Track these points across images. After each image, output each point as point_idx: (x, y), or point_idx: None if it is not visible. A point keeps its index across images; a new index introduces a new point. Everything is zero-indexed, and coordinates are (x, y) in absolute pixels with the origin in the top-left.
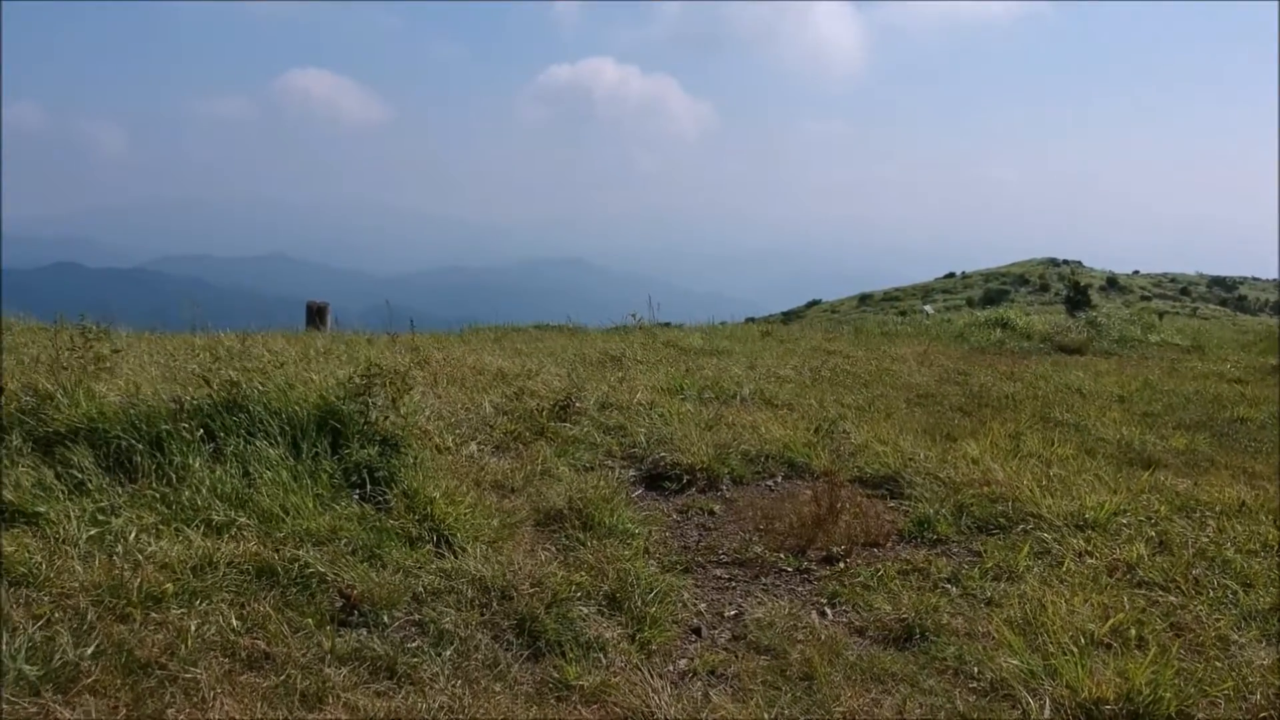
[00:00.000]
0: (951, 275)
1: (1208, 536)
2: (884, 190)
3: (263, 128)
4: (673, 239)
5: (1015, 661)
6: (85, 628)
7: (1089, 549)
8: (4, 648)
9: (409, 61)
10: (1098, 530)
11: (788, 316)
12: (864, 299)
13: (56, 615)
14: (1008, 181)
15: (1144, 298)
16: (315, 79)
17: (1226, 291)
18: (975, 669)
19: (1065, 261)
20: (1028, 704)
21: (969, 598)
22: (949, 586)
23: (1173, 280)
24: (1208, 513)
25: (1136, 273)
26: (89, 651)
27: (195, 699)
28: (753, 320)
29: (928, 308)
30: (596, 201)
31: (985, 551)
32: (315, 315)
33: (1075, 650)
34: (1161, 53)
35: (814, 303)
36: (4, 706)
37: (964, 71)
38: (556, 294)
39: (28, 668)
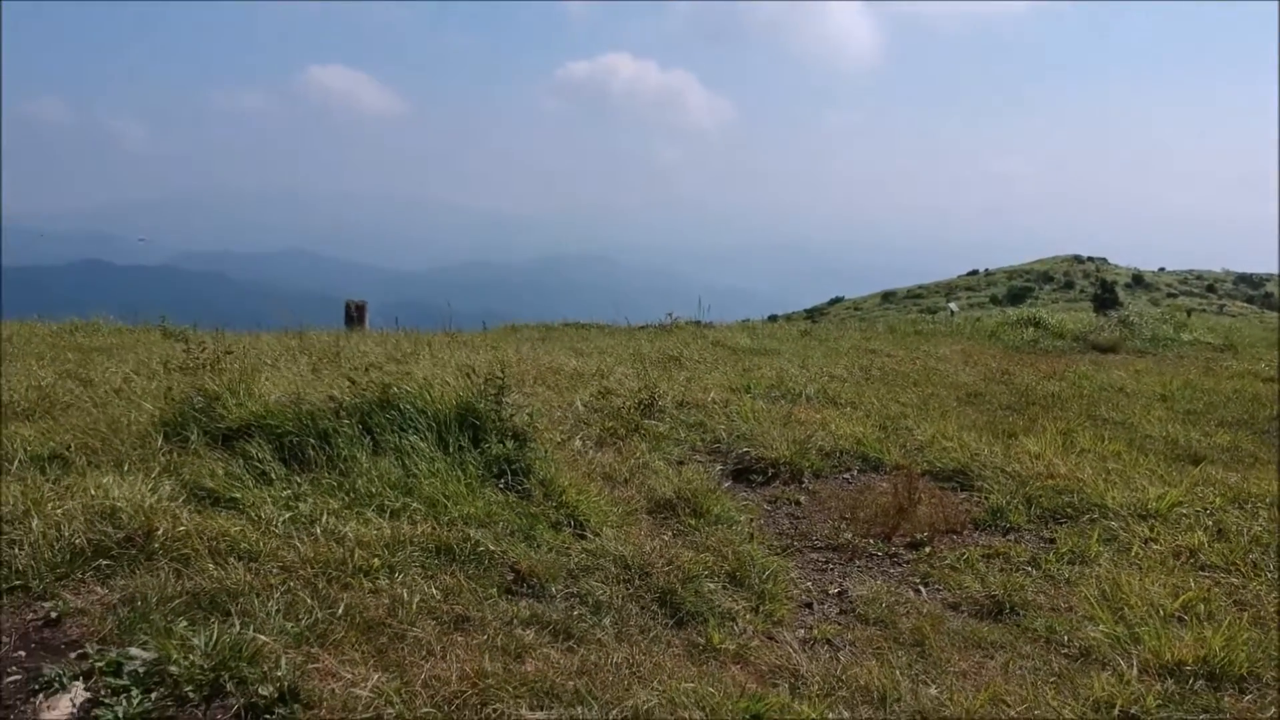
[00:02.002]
0: (975, 272)
1: (1260, 525)
2: (901, 184)
3: (283, 122)
4: (693, 232)
5: (1102, 630)
6: (319, 594)
7: (1153, 536)
8: (259, 607)
9: (425, 55)
10: (1159, 519)
11: (811, 314)
12: (887, 296)
13: (290, 584)
14: (1026, 176)
15: (1170, 295)
16: (334, 73)
17: (1253, 288)
18: (1065, 638)
19: (1090, 258)
20: (1118, 665)
21: (1049, 578)
22: (1029, 569)
23: (1198, 277)
24: (1258, 504)
25: (1162, 270)
26: (336, 613)
27: (425, 652)
28: (775, 318)
29: (953, 305)
30: (617, 195)
31: (1058, 538)
32: (355, 314)
33: (1153, 622)
34: (1179, 48)
35: (837, 300)
36: (282, 656)
37: (980, 65)
38: (579, 289)
39: (286, 623)
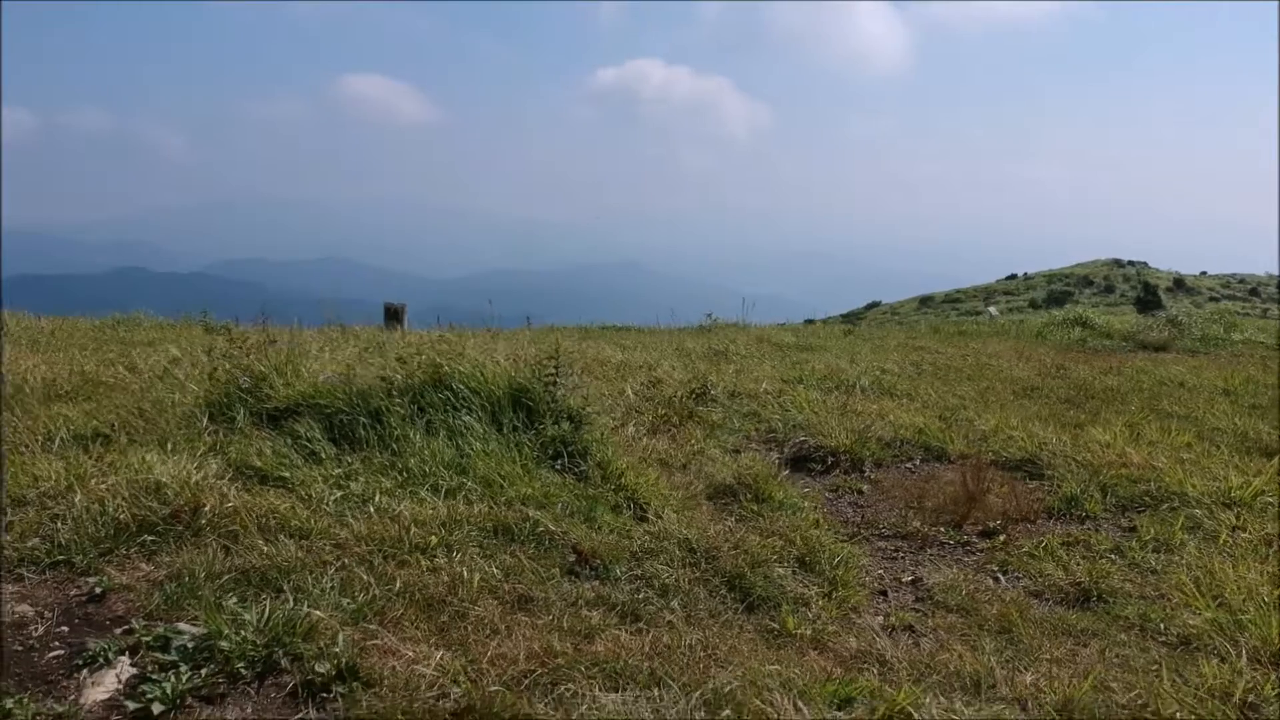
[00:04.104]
0: (1013, 276)
1: None
2: (934, 190)
3: (317, 130)
4: (725, 240)
5: (1203, 618)
6: (375, 571)
7: (1240, 524)
8: (313, 584)
9: (456, 64)
10: (1244, 508)
11: (848, 318)
12: (924, 301)
13: (344, 561)
14: (1062, 181)
15: (1212, 299)
16: (368, 82)
17: None
18: (1161, 625)
19: (1130, 262)
20: (1226, 653)
21: (1135, 566)
22: (1113, 556)
23: (1241, 280)
24: None
25: (1204, 273)
26: (393, 590)
27: (489, 631)
28: (810, 322)
29: (992, 309)
30: (649, 202)
31: (1139, 526)
32: (393, 315)
33: (1254, 609)
34: (1205, 53)
35: (873, 304)
36: (339, 633)
37: (1010, 69)
38: (611, 296)
39: (342, 600)
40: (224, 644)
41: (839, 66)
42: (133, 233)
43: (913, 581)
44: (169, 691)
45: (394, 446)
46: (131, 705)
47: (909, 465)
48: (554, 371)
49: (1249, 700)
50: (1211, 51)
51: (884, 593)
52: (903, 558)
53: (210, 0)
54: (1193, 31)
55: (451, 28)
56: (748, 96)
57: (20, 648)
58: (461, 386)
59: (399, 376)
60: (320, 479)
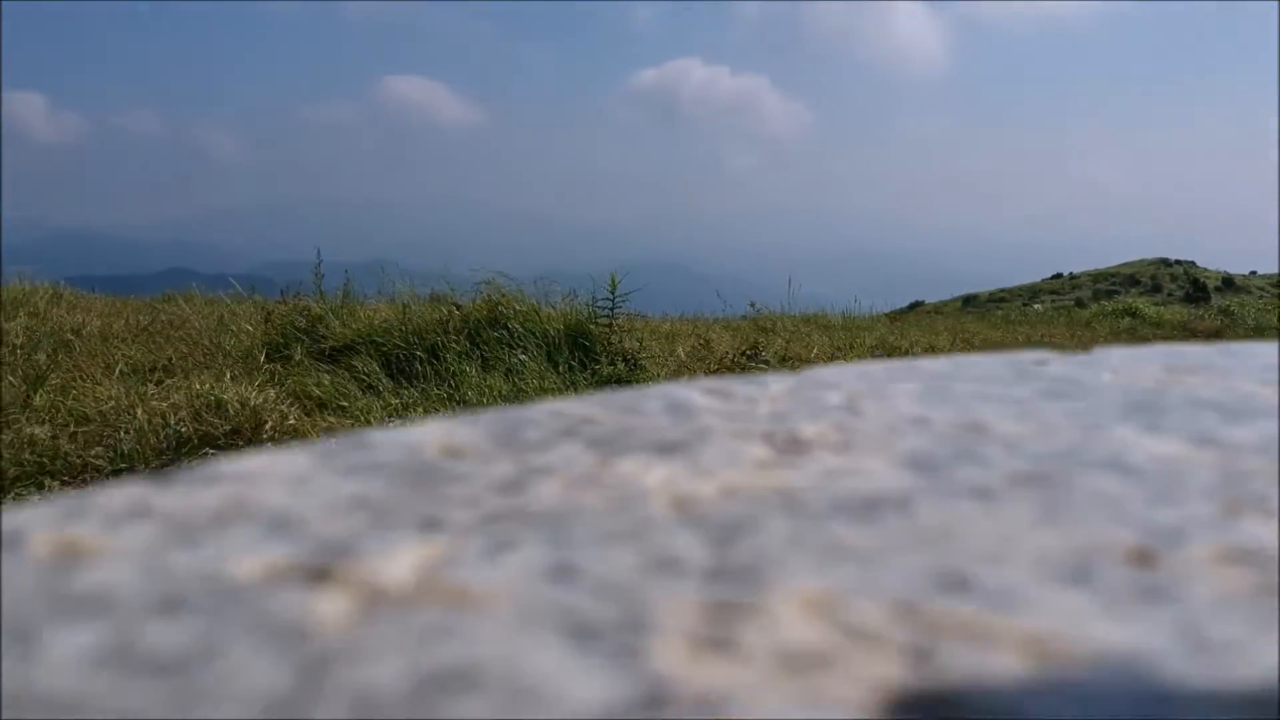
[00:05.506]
0: (1059, 276)
1: None
2: (979, 189)
3: (364, 133)
4: (769, 241)
5: None
6: None
7: None
8: None
9: (500, 66)
10: None
11: (891, 316)
12: (969, 300)
13: None
14: (1110, 181)
15: (1262, 298)
16: (413, 84)
17: None
18: None
19: (1178, 261)
20: None
21: None
22: None
23: None
24: None
25: (1253, 273)
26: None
27: None
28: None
29: (1037, 307)
30: (691, 202)
31: None
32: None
33: None
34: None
35: (917, 304)
36: None
37: (1056, 68)
38: (656, 295)
39: None
40: None
41: (881, 64)
42: (187, 234)
43: None
44: None
45: (451, 381)
46: None
47: None
48: (610, 313)
49: None
50: (1258, 52)
51: None
52: None
53: (260, 1)
54: (1242, 31)
55: (494, 30)
56: (788, 95)
57: None
58: (517, 326)
59: (455, 315)
60: (379, 407)
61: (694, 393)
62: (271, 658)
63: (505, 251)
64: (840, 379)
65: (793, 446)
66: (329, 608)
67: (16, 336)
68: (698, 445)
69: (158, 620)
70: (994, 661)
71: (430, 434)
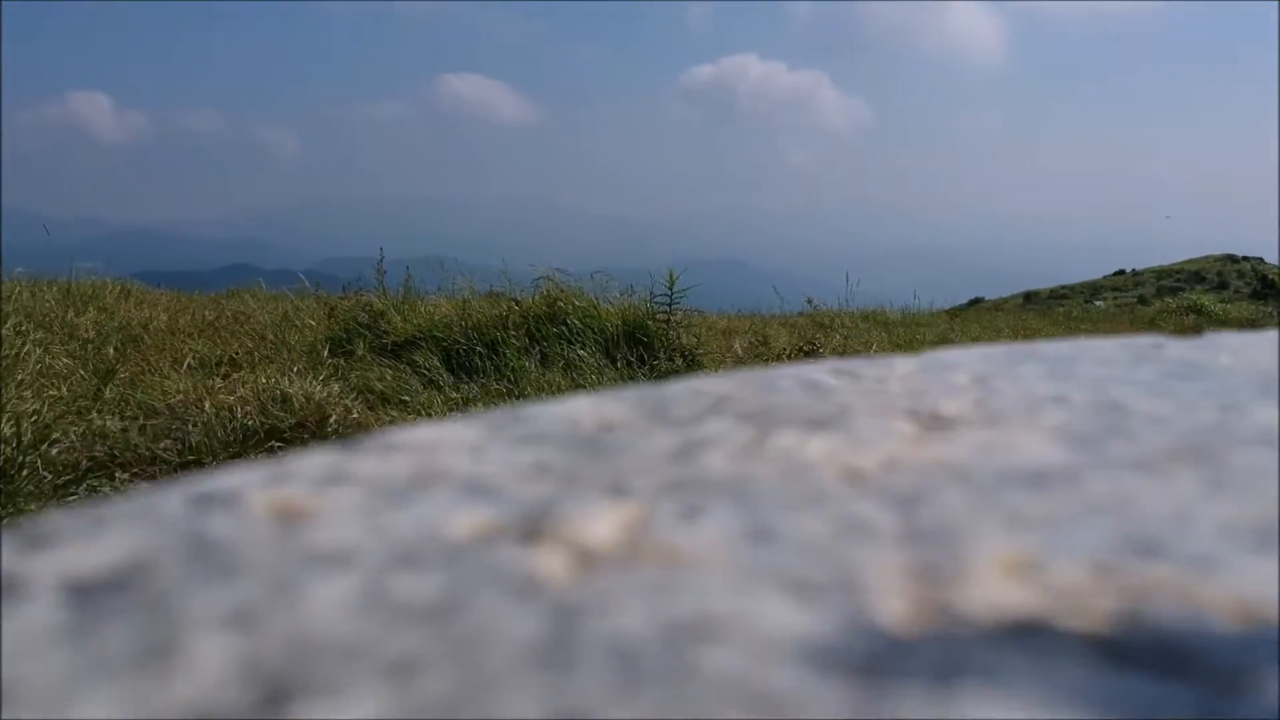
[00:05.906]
0: (1121, 272)
1: None
2: (1039, 186)
3: (421, 130)
4: (828, 236)
5: None
6: None
7: None
8: None
9: (554, 64)
10: None
11: (951, 315)
12: (1029, 297)
13: None
14: (1175, 178)
15: None
16: (469, 82)
17: None
18: None
19: (1245, 258)
20: None
21: None
22: None
23: None
24: None
25: None
26: None
27: None
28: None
29: (1099, 304)
30: (748, 199)
31: None
32: None
33: None
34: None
35: (976, 300)
36: None
37: (1114, 64)
38: (713, 292)
39: None
40: None
41: (939, 60)
42: (248, 230)
43: None
44: None
45: (510, 376)
46: None
47: None
48: (667, 309)
49: None
50: None
51: None
52: None
53: (318, 0)
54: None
55: (548, 29)
56: (846, 90)
57: None
58: (576, 322)
59: (515, 311)
60: (440, 402)
61: (822, 373)
62: (521, 607)
63: (563, 247)
64: (963, 360)
65: (938, 423)
66: (550, 564)
67: (87, 331)
68: (846, 421)
69: (402, 573)
70: (1203, 620)
71: (583, 408)
